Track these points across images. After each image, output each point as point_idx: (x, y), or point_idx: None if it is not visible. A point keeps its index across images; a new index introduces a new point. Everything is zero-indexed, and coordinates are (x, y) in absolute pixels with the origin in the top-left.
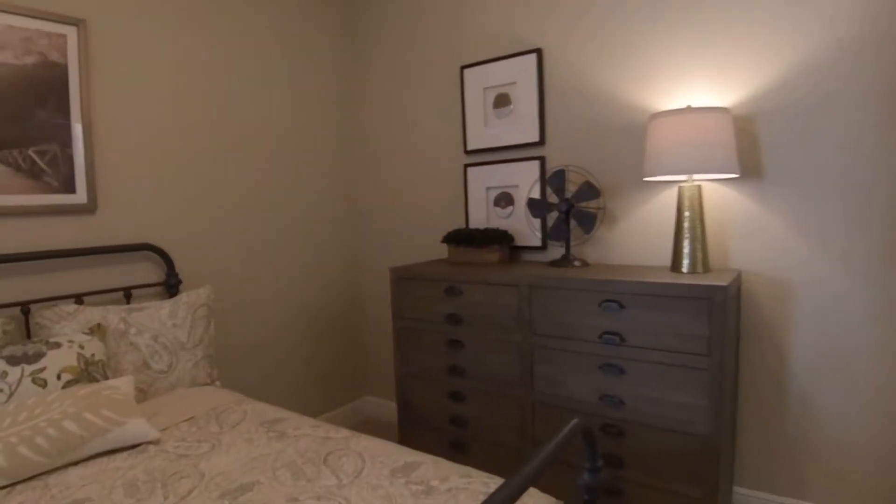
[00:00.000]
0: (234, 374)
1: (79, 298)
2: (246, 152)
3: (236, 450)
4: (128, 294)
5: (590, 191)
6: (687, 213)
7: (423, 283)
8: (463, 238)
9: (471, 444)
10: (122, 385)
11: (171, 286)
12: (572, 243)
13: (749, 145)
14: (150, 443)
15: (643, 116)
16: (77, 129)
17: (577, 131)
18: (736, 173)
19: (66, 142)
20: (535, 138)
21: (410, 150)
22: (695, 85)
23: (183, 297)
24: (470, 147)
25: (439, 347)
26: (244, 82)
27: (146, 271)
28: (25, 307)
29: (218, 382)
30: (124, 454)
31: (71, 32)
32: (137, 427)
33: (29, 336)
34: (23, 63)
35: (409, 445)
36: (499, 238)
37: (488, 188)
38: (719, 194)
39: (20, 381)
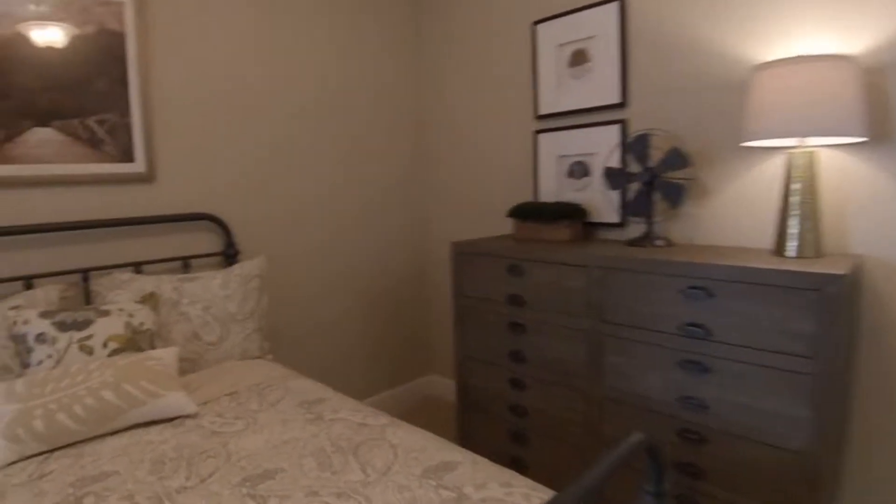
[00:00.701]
0: (293, 349)
1: (137, 267)
2: (309, 121)
3: (269, 431)
4: (186, 263)
5: (678, 158)
6: (796, 186)
7: (485, 259)
8: (530, 212)
9: (531, 436)
10: (166, 356)
11: (229, 257)
12: (655, 219)
13: (879, 103)
14: (187, 416)
15: (744, 70)
16: (135, 98)
17: (664, 90)
18: (862, 136)
19: (125, 111)
20: (616, 99)
21: (478, 117)
22: (810, 29)
23: (236, 269)
24: (541, 111)
25: (500, 330)
26: (307, 49)
27: (205, 241)
28: (85, 274)
29: (270, 356)
30: (160, 427)
31: (128, 0)
32: (176, 400)
33: (88, 303)
34: (82, 33)
35: (466, 432)
36: (570, 213)
37: (561, 157)
38: (838, 162)
39: (68, 347)
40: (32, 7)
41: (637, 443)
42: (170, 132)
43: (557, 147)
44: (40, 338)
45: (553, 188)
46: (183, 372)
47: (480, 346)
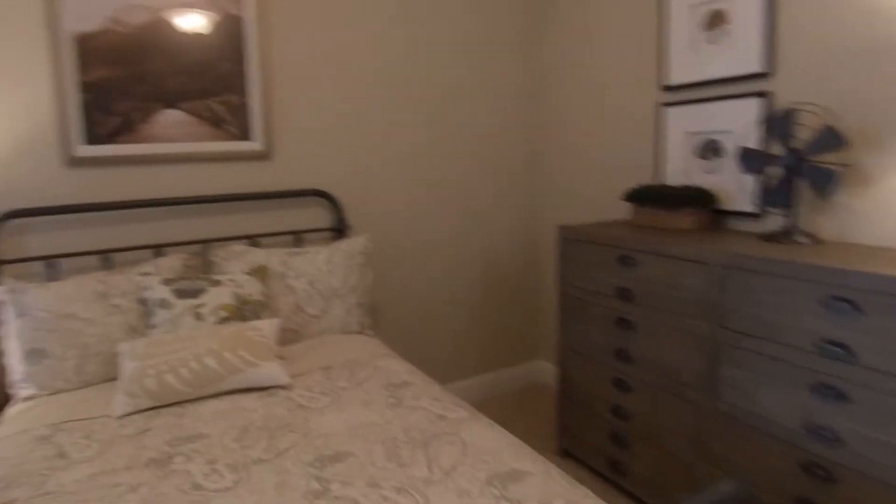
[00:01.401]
0: (394, 326)
1: (253, 240)
2: (419, 97)
3: (350, 411)
4: (298, 238)
5: (831, 138)
6: None
7: (593, 246)
8: (649, 196)
9: (633, 443)
10: (266, 328)
11: (339, 232)
12: (798, 211)
13: None
14: (280, 387)
15: None
16: (254, 80)
17: (821, 57)
18: None
19: (245, 92)
20: (759, 68)
21: (594, 91)
22: None
23: (341, 245)
24: (670, 81)
25: (606, 324)
26: (424, 33)
27: (317, 216)
28: (206, 245)
29: (370, 332)
30: (255, 395)
31: None
32: (270, 371)
33: (207, 272)
34: (206, 19)
35: (565, 426)
36: (695, 198)
37: (690, 133)
38: None
39: (182, 313)
40: None
41: (728, 494)
42: (286, 112)
43: (687, 122)
44: (161, 303)
45: (679, 169)
46: (286, 342)
47: (584, 339)
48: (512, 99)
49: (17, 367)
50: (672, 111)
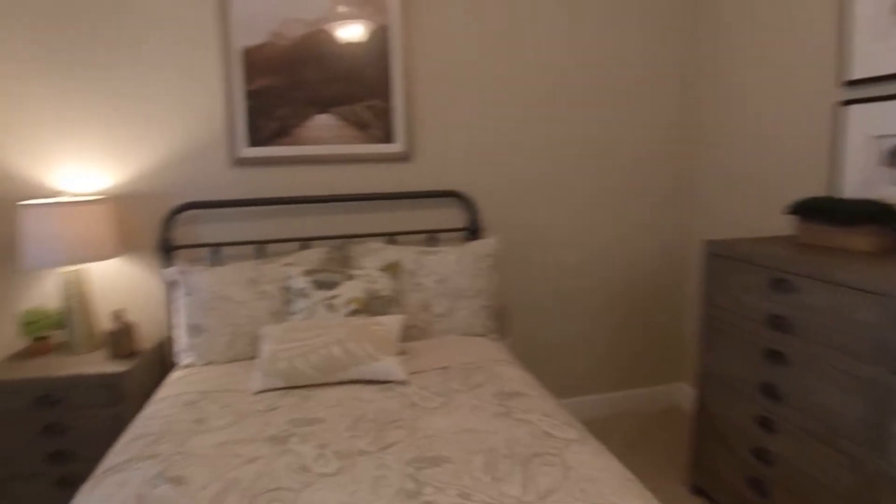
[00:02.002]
0: (524, 332)
1: (391, 238)
2: (561, 103)
3: (458, 415)
4: (433, 237)
5: None
6: None
7: (745, 265)
8: (818, 210)
9: (774, 491)
10: (390, 323)
11: (473, 232)
12: None
13: None
14: (397, 382)
15: None
16: (397, 85)
17: None
18: None
19: (388, 97)
20: None
21: (755, 88)
22: None
23: (471, 246)
24: (852, 75)
25: (754, 354)
26: (558, 25)
27: (453, 217)
28: (347, 240)
29: (494, 336)
30: (374, 387)
31: None
32: (388, 365)
33: (346, 266)
34: (356, 28)
35: (700, 461)
36: (877, 215)
37: (876, 138)
38: None
39: (317, 303)
40: (319, 9)
41: None
42: (426, 115)
43: (872, 124)
44: (300, 292)
45: (859, 180)
46: (411, 338)
47: (727, 368)
48: (662, 99)
49: (182, 338)
50: (854, 110)
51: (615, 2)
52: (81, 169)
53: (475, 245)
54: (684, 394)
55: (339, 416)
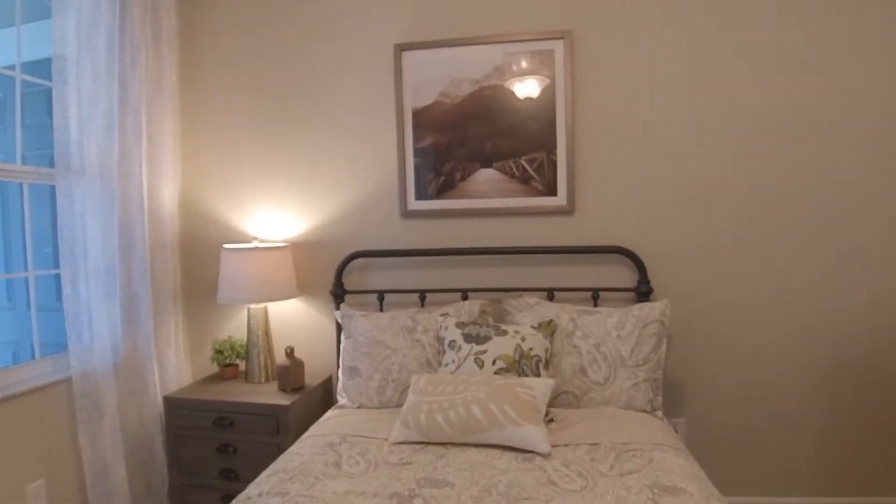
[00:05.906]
0: (705, 412)
1: (549, 293)
2: (751, 150)
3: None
4: (595, 295)
5: None
6: None
7: None
8: None
9: None
10: (537, 387)
11: (641, 293)
12: None
13: None
14: (538, 454)
15: None
16: (561, 137)
17: None
18: None
19: (552, 149)
20: None
21: None
22: None
23: (634, 309)
24: None
25: None
26: (729, 77)
27: (618, 275)
28: (506, 293)
29: (660, 413)
30: (511, 455)
31: (558, 47)
32: (530, 434)
33: (501, 320)
34: (519, 84)
35: None
36: None
37: None
38: None
39: (466, 357)
40: (487, 67)
41: None
42: (589, 167)
43: None
44: (452, 344)
45: None
46: (564, 405)
47: None
48: (874, 133)
49: (341, 379)
50: None
51: (855, 14)
52: (272, 218)
53: (640, 308)
54: None
55: (468, 483)
